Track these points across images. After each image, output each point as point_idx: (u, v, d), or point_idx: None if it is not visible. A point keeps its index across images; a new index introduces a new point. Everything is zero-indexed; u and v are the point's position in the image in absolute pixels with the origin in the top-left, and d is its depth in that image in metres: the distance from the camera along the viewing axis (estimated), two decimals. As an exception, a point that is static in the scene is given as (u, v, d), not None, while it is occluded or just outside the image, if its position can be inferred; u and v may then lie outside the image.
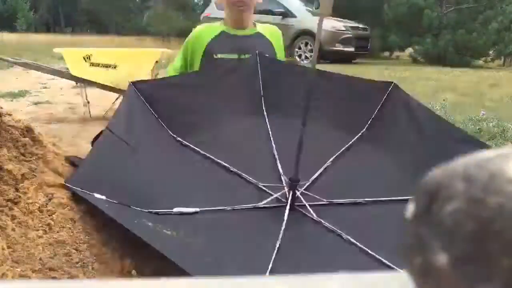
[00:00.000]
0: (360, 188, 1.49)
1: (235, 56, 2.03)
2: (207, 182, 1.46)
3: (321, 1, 1.26)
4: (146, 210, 1.21)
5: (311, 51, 9.71)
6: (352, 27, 10.56)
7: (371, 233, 1.30)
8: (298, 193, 1.40)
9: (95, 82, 3.45)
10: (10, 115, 1.21)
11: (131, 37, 21.75)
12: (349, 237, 1.26)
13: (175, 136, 1.55)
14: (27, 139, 1.17)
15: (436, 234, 0.25)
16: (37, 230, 0.96)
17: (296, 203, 1.38)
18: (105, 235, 1.06)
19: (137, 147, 1.38)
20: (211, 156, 1.53)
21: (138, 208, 1.19)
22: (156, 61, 3.60)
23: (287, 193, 1.40)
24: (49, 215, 1.01)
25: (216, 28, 2.09)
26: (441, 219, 0.26)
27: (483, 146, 1.50)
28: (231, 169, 1.51)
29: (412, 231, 0.27)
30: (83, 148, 2.45)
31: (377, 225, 1.34)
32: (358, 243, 1.25)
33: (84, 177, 1.15)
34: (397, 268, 1.09)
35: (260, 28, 2.13)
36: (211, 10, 10.43)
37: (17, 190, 1.03)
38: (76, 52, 3.56)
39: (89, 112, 3.60)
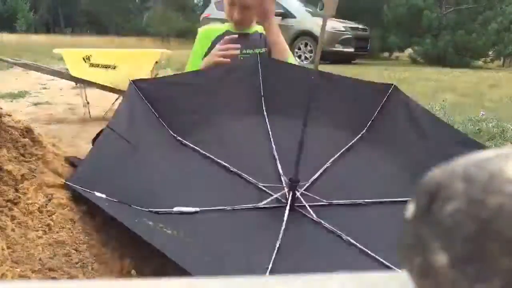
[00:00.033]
0: (360, 189, 1.50)
1: (237, 52, 2.07)
2: (207, 182, 1.46)
3: (326, 2, 1.26)
4: (147, 209, 1.21)
5: (310, 51, 9.72)
6: (352, 28, 10.57)
7: (371, 234, 1.30)
8: (298, 194, 1.40)
9: (95, 83, 3.44)
10: (10, 115, 1.21)
11: (131, 38, 21.76)
12: (349, 238, 1.26)
13: (175, 135, 1.55)
14: (27, 139, 1.17)
15: (436, 234, 0.26)
16: (37, 230, 0.96)
17: (296, 204, 1.38)
18: (104, 235, 1.06)
19: (138, 146, 1.38)
20: (211, 156, 1.54)
21: (138, 207, 1.19)
22: (156, 62, 3.60)
23: (287, 194, 1.40)
24: (48, 216, 1.01)
25: (221, 28, 2.15)
26: (441, 219, 0.26)
27: (482, 148, 1.50)
28: (231, 169, 1.51)
29: (412, 231, 0.27)
30: (83, 148, 2.45)
31: (377, 226, 1.34)
32: (358, 244, 1.25)
33: (84, 176, 1.15)
34: (397, 269, 1.09)
35: (260, 27, 2.17)
36: (211, 11, 10.45)
37: (16, 190, 1.03)
38: (75, 52, 3.56)
39: (89, 112, 3.60)
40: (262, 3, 2.02)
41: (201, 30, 2.19)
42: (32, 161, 1.13)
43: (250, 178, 1.49)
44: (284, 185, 1.46)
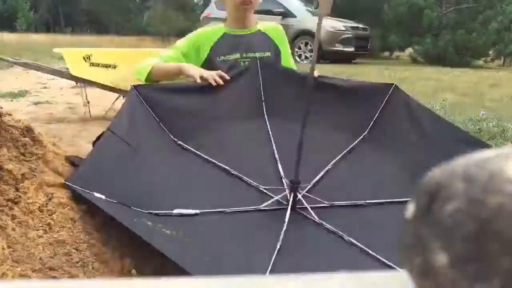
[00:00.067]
0: (361, 190, 1.50)
1: (237, 55, 2.04)
2: (207, 185, 1.46)
3: (320, 1, 1.26)
4: (146, 211, 1.21)
5: (311, 51, 9.71)
6: (352, 27, 10.56)
7: (372, 234, 1.31)
8: (299, 196, 1.40)
9: (95, 82, 3.45)
10: (10, 115, 1.21)
11: (131, 37, 21.76)
12: (350, 239, 1.27)
13: (176, 140, 1.56)
14: (27, 139, 1.17)
15: (436, 234, 0.25)
16: (37, 229, 0.96)
17: (297, 206, 1.38)
18: (105, 234, 1.06)
19: (138, 149, 1.38)
20: (211, 159, 1.54)
21: (138, 209, 1.19)
22: (156, 61, 3.61)
23: (288, 195, 1.40)
24: (49, 215, 1.01)
25: (217, 31, 2.08)
26: (441, 219, 0.26)
27: (484, 146, 1.50)
28: (232, 172, 1.51)
29: (412, 231, 0.27)
30: (83, 148, 2.45)
31: (379, 227, 1.34)
32: (359, 244, 1.25)
33: (84, 176, 1.15)
34: (398, 269, 1.09)
35: (261, 26, 2.14)
36: (211, 10, 10.44)
37: (17, 190, 1.03)
38: (76, 52, 3.56)
39: (89, 112, 3.60)
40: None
41: (195, 33, 2.11)
42: (33, 160, 1.13)
43: (251, 181, 1.49)
44: (286, 187, 1.46)
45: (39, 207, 1.02)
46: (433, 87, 5.95)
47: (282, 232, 1.25)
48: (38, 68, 3.62)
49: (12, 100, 4.37)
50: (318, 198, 1.41)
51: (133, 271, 1.01)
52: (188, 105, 1.66)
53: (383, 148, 1.64)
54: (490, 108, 3.98)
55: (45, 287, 0.32)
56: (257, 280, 0.30)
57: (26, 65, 3.77)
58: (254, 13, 2.10)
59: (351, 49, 10.25)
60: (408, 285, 0.28)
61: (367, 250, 1.23)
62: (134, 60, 3.60)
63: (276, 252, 1.18)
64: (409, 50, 13.28)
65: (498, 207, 0.23)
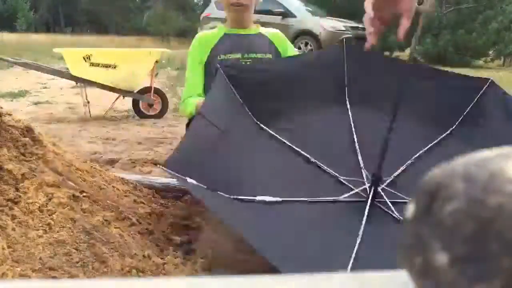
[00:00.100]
0: None
1: (238, 55, 2.03)
2: (288, 172, 1.45)
3: None
4: (232, 196, 1.22)
5: (311, 51, 9.72)
6: (352, 27, 10.57)
7: None
8: (379, 189, 1.36)
9: (95, 82, 3.44)
10: (10, 115, 1.21)
11: (131, 37, 21.76)
12: None
13: (258, 122, 1.54)
14: (27, 139, 1.17)
15: (436, 234, 0.25)
16: (37, 229, 0.96)
17: (376, 199, 1.34)
18: (105, 234, 1.06)
19: (225, 132, 1.39)
20: (293, 146, 1.52)
21: (225, 195, 1.20)
22: (156, 61, 3.60)
23: (367, 189, 1.36)
24: (49, 215, 1.01)
25: (216, 32, 2.08)
26: (441, 219, 0.26)
27: None
28: (312, 160, 1.49)
29: (412, 231, 0.27)
30: (83, 148, 2.45)
31: None
32: None
33: (178, 161, 1.16)
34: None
35: (263, 30, 2.13)
36: (211, 10, 10.44)
37: (17, 189, 1.03)
38: (76, 52, 3.56)
39: (89, 112, 3.60)
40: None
41: (197, 37, 2.12)
42: (33, 160, 1.13)
43: (330, 170, 1.46)
44: (365, 180, 1.42)
45: (39, 207, 1.02)
46: (433, 87, 5.94)
47: (362, 227, 1.22)
48: (38, 68, 3.62)
49: (12, 100, 4.37)
50: (399, 193, 1.37)
51: (133, 271, 1.01)
52: (270, 87, 1.63)
53: (472, 143, 1.55)
54: (490, 108, 3.97)
55: (45, 287, 0.32)
56: (257, 280, 0.30)
57: (26, 65, 3.77)
58: (254, 13, 2.10)
59: (351, 49, 10.23)
60: (408, 285, 0.28)
61: None
62: (134, 60, 3.60)
63: (356, 247, 1.16)
64: (409, 50, 13.27)
65: (498, 207, 0.23)
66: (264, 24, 2.21)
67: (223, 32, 2.07)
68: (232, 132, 1.42)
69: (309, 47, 9.71)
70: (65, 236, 0.98)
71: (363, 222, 1.25)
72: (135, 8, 30.62)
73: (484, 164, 0.26)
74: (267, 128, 1.54)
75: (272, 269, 1.19)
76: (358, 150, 1.56)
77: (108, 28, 30.02)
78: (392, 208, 1.32)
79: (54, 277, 0.87)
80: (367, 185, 1.39)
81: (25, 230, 0.95)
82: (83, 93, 3.54)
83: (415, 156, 1.55)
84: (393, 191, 1.39)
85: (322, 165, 1.48)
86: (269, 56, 2.07)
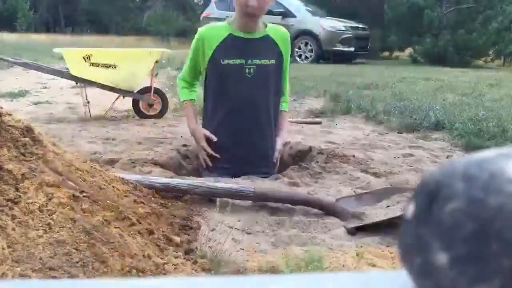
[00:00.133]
0: None
1: (242, 61, 2.03)
2: None
3: None
4: None
5: (311, 51, 9.72)
6: (352, 27, 10.57)
7: None
8: None
9: (95, 82, 3.44)
10: (10, 115, 1.21)
11: (131, 37, 21.75)
12: None
13: None
14: (27, 139, 1.17)
15: (436, 234, 0.25)
16: (37, 229, 0.96)
17: None
18: (105, 234, 1.06)
19: None
20: None
21: None
22: (156, 61, 3.60)
23: None
24: (49, 215, 1.01)
25: (222, 30, 2.07)
26: (441, 219, 0.26)
27: None
28: None
29: (412, 231, 0.27)
30: (83, 148, 2.45)
31: None
32: None
33: None
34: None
35: (270, 30, 2.11)
36: (211, 10, 10.44)
37: (17, 189, 1.03)
38: (76, 52, 3.56)
39: (89, 112, 3.60)
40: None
41: (201, 30, 2.12)
42: (33, 160, 1.13)
43: None
44: None
45: (39, 207, 1.02)
46: (433, 87, 5.94)
47: None
48: (38, 68, 3.62)
49: (12, 100, 4.37)
50: None
51: (133, 271, 1.01)
52: None
53: None
54: (490, 108, 3.97)
55: (45, 287, 0.32)
56: (257, 280, 0.30)
57: (26, 65, 3.77)
58: None
59: (351, 49, 10.25)
60: (408, 285, 0.28)
61: None
62: (134, 60, 3.60)
63: None
64: (409, 50, 13.27)
65: (498, 207, 0.23)
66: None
67: (228, 32, 2.05)
68: None
69: (309, 47, 9.71)
70: (65, 236, 0.98)
71: None
72: (135, 8, 30.60)
73: (484, 164, 0.26)
74: None
75: (272, 269, 1.19)
76: None
77: (108, 28, 30.00)
78: None
79: (54, 277, 0.87)
80: None
81: (25, 230, 0.95)
82: (83, 93, 3.54)
83: None
84: None
85: None
86: (273, 61, 2.07)
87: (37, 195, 1.04)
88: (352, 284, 0.30)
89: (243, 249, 1.32)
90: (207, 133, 2.12)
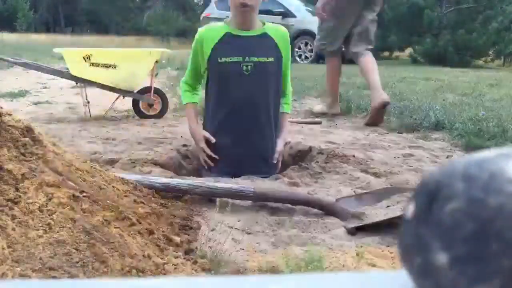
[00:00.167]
0: None
1: (240, 58, 2.03)
2: None
3: None
4: None
5: (311, 51, 9.72)
6: (352, 27, 10.56)
7: None
8: None
9: (95, 82, 3.44)
10: (10, 115, 1.21)
11: (131, 37, 21.77)
12: None
13: None
14: (27, 139, 1.17)
15: (436, 234, 0.26)
16: (37, 229, 0.96)
17: None
18: (105, 234, 1.06)
19: None
20: None
21: None
22: (156, 61, 3.60)
23: None
24: (49, 215, 1.01)
25: (220, 30, 2.08)
26: (441, 219, 0.26)
27: None
28: None
29: (412, 231, 0.27)
30: (83, 148, 2.45)
31: None
32: None
33: None
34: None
35: (268, 28, 2.11)
36: (211, 10, 10.44)
37: (17, 189, 1.03)
38: (76, 52, 3.56)
39: (89, 112, 3.60)
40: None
41: (200, 30, 2.14)
42: (33, 160, 1.13)
43: None
44: None
45: (39, 207, 1.02)
46: (433, 87, 5.94)
47: None
48: (38, 68, 3.62)
49: (12, 100, 4.37)
50: None
51: (133, 271, 1.01)
52: None
53: None
54: (490, 108, 3.97)
55: (45, 287, 0.32)
56: (257, 280, 0.30)
57: (26, 65, 3.76)
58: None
59: (351, 49, 10.24)
60: (408, 285, 0.28)
61: None
62: (134, 60, 3.60)
63: None
64: (409, 50, 13.27)
65: (498, 207, 0.23)
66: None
67: (225, 31, 2.06)
68: None
69: (309, 47, 9.71)
70: (65, 236, 0.98)
71: None
72: (135, 8, 30.61)
73: (484, 164, 0.26)
74: None
75: (272, 269, 1.19)
76: None
77: (108, 28, 30.01)
78: None
79: (54, 277, 0.87)
80: None
81: (25, 230, 0.95)
82: (83, 93, 3.54)
83: None
84: None
85: None
86: (271, 59, 2.07)
87: (37, 195, 1.04)
88: (352, 284, 0.30)
89: (243, 249, 1.32)
90: (207, 134, 2.13)
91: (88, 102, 3.57)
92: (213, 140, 2.11)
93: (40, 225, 0.98)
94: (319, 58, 9.73)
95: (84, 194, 1.16)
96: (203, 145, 2.11)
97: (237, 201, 1.63)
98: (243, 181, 1.88)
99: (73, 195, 1.11)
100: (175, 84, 5.55)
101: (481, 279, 0.23)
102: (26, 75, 6.30)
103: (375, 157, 2.41)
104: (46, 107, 4.08)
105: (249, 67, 2.03)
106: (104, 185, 1.36)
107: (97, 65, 3.43)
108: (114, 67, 3.46)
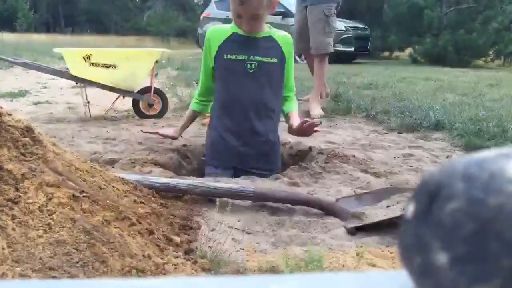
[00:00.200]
0: None
1: (244, 56, 2.07)
2: None
3: None
4: None
5: (310, 51, 9.70)
6: (352, 27, 10.57)
7: None
8: None
9: (95, 82, 3.44)
10: (10, 115, 1.21)
11: (131, 37, 21.77)
12: None
13: None
14: (27, 139, 1.17)
15: (436, 234, 0.26)
16: (37, 229, 0.96)
17: None
18: (105, 234, 1.06)
19: None
20: None
21: None
22: (156, 61, 3.60)
23: None
24: (49, 215, 1.01)
25: (228, 30, 2.15)
26: (441, 219, 0.26)
27: None
28: None
29: (412, 231, 0.27)
30: (83, 148, 2.45)
31: None
32: None
33: None
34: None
35: (273, 32, 2.15)
36: (211, 10, 10.45)
37: (17, 189, 1.03)
38: (76, 52, 3.56)
39: (89, 112, 3.60)
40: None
41: (208, 31, 2.19)
42: (33, 160, 1.13)
43: None
44: None
45: (39, 207, 1.02)
46: (433, 87, 5.95)
47: None
48: (38, 68, 3.62)
49: (12, 100, 4.37)
50: None
51: (133, 271, 1.01)
52: None
53: None
54: (490, 108, 3.97)
55: (45, 287, 0.32)
56: (257, 280, 0.30)
57: (26, 65, 3.76)
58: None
59: (351, 49, 10.25)
60: (408, 285, 0.28)
61: None
62: (134, 60, 3.60)
63: None
64: (409, 50, 13.28)
65: (498, 207, 0.23)
66: None
67: (232, 31, 2.11)
68: None
69: (309, 47, 9.70)
70: (65, 236, 0.98)
71: None
72: (135, 8, 30.61)
73: (484, 164, 0.26)
74: None
75: (272, 269, 1.19)
76: None
77: (108, 28, 30.00)
78: None
79: (54, 277, 0.87)
80: None
81: (25, 230, 0.95)
82: (83, 93, 3.54)
83: None
84: None
85: None
86: (275, 60, 2.09)
87: (37, 195, 1.04)
88: (352, 284, 0.30)
89: (243, 249, 1.32)
90: (170, 134, 2.42)
91: (88, 102, 3.57)
92: (175, 139, 2.48)
93: (40, 225, 0.98)
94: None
95: (84, 194, 1.16)
96: (161, 132, 2.44)
97: (237, 201, 1.63)
98: (243, 181, 1.88)
99: (73, 195, 1.11)
100: (175, 84, 5.56)
101: (481, 279, 0.23)
102: (26, 75, 6.30)
103: (375, 157, 2.41)
104: (46, 107, 4.08)
105: (253, 65, 2.07)
106: (104, 185, 1.36)
107: (97, 65, 3.43)
108: (114, 67, 3.46)
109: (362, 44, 10.75)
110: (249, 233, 1.45)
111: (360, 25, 11.08)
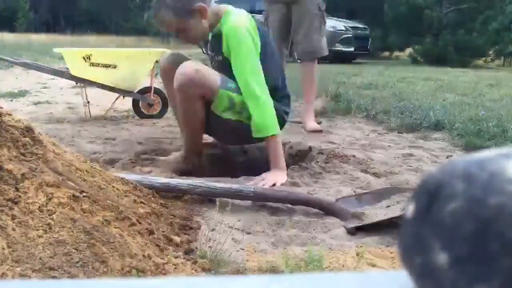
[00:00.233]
0: None
1: (210, 57, 2.18)
2: None
3: None
4: None
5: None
6: (352, 27, 10.57)
7: None
8: None
9: (95, 82, 3.44)
10: (10, 115, 1.21)
11: (131, 37, 21.77)
12: None
13: None
14: (27, 139, 1.17)
15: (436, 234, 0.26)
16: (37, 229, 0.96)
17: None
18: (105, 234, 1.06)
19: None
20: None
21: None
22: (156, 61, 3.59)
23: None
24: (49, 215, 1.01)
25: None
26: (441, 219, 0.26)
27: None
28: None
29: (412, 231, 0.27)
30: (83, 148, 2.45)
31: None
32: None
33: None
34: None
35: (224, 25, 2.00)
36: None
37: (17, 189, 1.03)
38: (76, 52, 3.56)
39: (89, 112, 3.59)
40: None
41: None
42: (33, 160, 1.13)
43: None
44: None
45: (39, 207, 1.02)
46: (433, 87, 5.95)
47: None
48: (38, 68, 3.62)
49: (12, 100, 4.37)
50: None
51: (133, 271, 1.01)
52: None
53: None
54: (490, 108, 3.97)
55: (45, 287, 0.32)
56: (257, 280, 0.30)
57: (26, 65, 3.76)
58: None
59: (351, 49, 10.25)
60: (408, 285, 0.28)
61: None
62: (134, 60, 3.60)
63: None
64: (409, 50, 13.28)
65: (498, 207, 0.23)
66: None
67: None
68: None
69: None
70: (65, 236, 0.98)
71: None
72: (135, 8, 30.60)
73: (484, 164, 0.26)
74: None
75: (272, 269, 1.19)
76: None
77: (108, 28, 30.00)
78: None
79: (54, 277, 0.87)
80: None
81: (25, 230, 0.95)
82: (83, 93, 3.54)
83: None
84: None
85: None
86: (220, 58, 2.07)
87: (37, 195, 1.04)
88: (352, 284, 0.30)
89: (243, 249, 1.32)
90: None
91: (88, 102, 3.57)
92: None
93: (40, 225, 0.98)
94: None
95: (84, 194, 1.16)
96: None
97: (237, 201, 1.63)
98: (243, 181, 1.88)
99: (73, 195, 1.11)
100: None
101: (481, 279, 0.23)
102: (26, 75, 6.30)
103: (375, 157, 2.41)
104: (46, 107, 4.08)
105: (214, 63, 2.15)
106: (104, 185, 1.36)
107: (97, 65, 3.43)
108: (114, 67, 3.46)
109: (362, 44, 10.75)
110: (249, 233, 1.45)
111: (360, 25, 11.08)
